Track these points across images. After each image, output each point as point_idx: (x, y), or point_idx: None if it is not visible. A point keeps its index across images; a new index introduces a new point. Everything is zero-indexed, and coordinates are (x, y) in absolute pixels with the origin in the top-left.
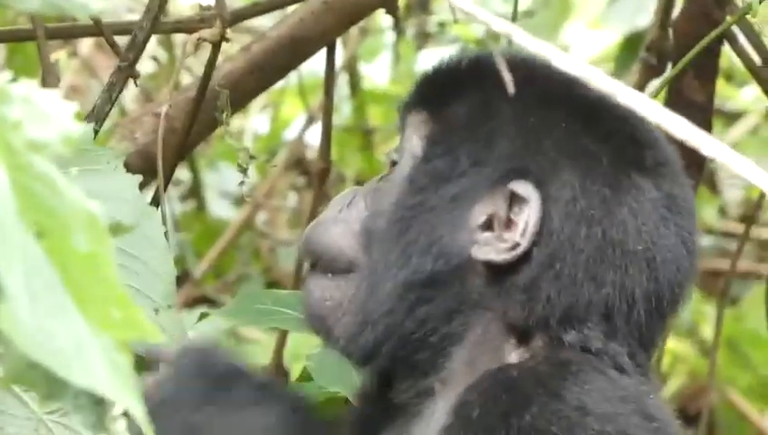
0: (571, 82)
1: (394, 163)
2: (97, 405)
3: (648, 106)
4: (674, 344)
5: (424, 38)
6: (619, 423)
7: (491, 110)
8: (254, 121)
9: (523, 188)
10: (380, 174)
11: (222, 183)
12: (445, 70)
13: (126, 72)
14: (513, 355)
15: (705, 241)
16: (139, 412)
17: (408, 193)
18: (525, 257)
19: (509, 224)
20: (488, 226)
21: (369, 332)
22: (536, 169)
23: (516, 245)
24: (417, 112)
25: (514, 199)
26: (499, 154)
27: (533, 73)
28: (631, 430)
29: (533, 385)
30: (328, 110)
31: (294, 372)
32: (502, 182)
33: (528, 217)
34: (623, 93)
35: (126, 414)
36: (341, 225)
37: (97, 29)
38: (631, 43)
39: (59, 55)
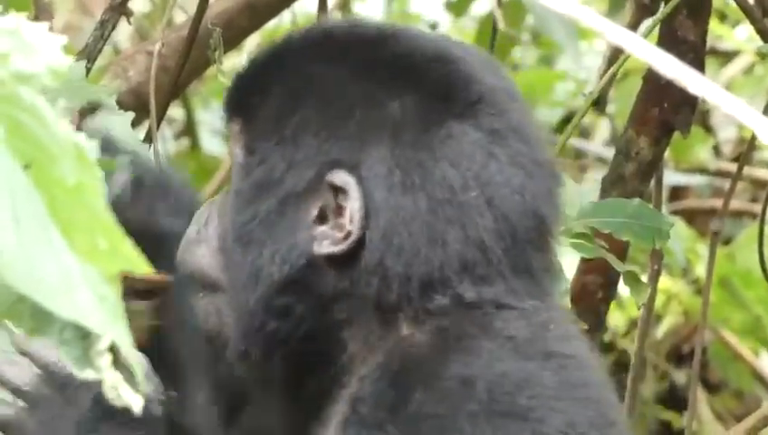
0: (368, 46)
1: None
2: (83, 339)
3: (639, 45)
4: (667, 283)
5: None
6: (511, 381)
7: (292, 105)
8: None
9: (338, 177)
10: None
11: (215, 121)
12: (249, 73)
13: (118, 9)
14: (391, 340)
15: (699, 180)
16: (127, 346)
17: (239, 208)
18: (363, 242)
19: (340, 213)
20: (322, 220)
21: (254, 348)
22: (345, 155)
23: (349, 233)
24: (233, 122)
25: (338, 190)
26: (307, 151)
27: (330, 52)
28: (529, 379)
29: (414, 371)
30: None
31: None
32: (319, 178)
33: (351, 204)
34: (613, 32)
35: (112, 349)
36: (203, 244)
37: None
38: None
39: None
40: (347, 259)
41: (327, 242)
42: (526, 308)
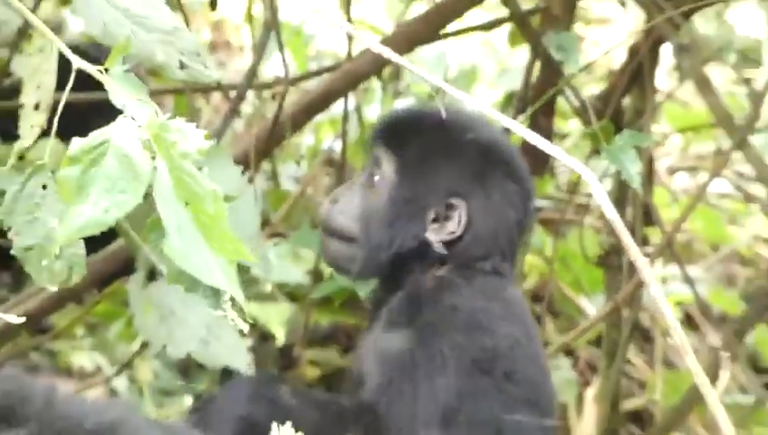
0: (465, 131)
1: (372, 175)
2: (215, 295)
3: (519, 129)
4: (530, 258)
5: (398, 93)
6: (479, 310)
7: (430, 150)
8: (305, 138)
9: (455, 201)
10: (360, 175)
11: (288, 171)
12: (403, 121)
13: (234, 111)
14: (432, 275)
15: (547, 203)
16: (241, 297)
17: (390, 203)
18: (459, 238)
19: (447, 220)
20: (435, 221)
21: (370, 272)
22: (462, 190)
23: (453, 232)
24: (384, 148)
25: (450, 207)
26: (439, 182)
27: (445, 128)
28: (489, 310)
29: (429, 296)
30: (344, 132)
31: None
32: (444, 198)
33: (461, 216)
34: (506, 122)
35: (232, 299)
36: (346, 213)
37: (218, 87)
38: (509, 97)
39: (200, 103)
40: (445, 243)
41: (434, 233)
42: (502, 276)
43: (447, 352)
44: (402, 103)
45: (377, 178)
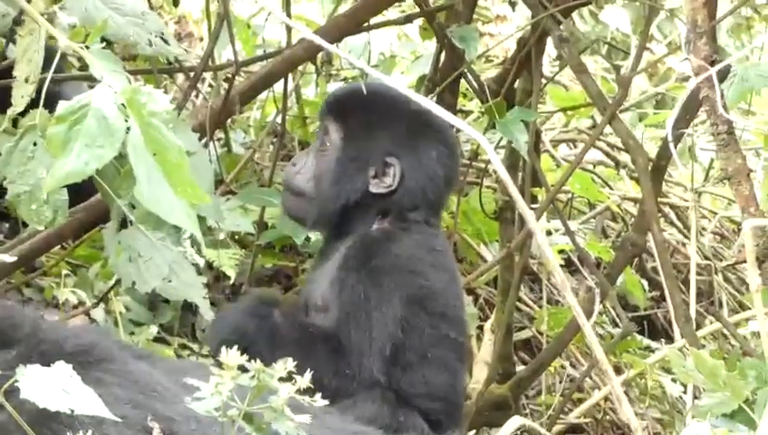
0: (399, 102)
1: (323, 142)
2: (177, 232)
3: (430, 105)
4: None
5: (329, 76)
6: (415, 257)
7: (371, 121)
8: (253, 112)
9: (391, 159)
10: (314, 143)
11: (238, 139)
12: (347, 96)
13: (192, 88)
14: (377, 226)
15: None
16: (199, 235)
17: (337, 163)
18: (394, 191)
19: (384, 176)
20: (375, 177)
21: (322, 221)
22: (396, 150)
23: (389, 186)
24: (332, 119)
25: (386, 165)
26: (377, 146)
27: (382, 100)
28: (423, 259)
29: (377, 245)
30: (284, 108)
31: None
32: (381, 157)
33: (395, 172)
34: (419, 99)
35: (191, 237)
36: (301, 174)
37: (180, 69)
38: (421, 80)
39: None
40: (384, 195)
41: (375, 186)
42: (432, 226)
43: (394, 289)
44: (333, 86)
45: (326, 144)
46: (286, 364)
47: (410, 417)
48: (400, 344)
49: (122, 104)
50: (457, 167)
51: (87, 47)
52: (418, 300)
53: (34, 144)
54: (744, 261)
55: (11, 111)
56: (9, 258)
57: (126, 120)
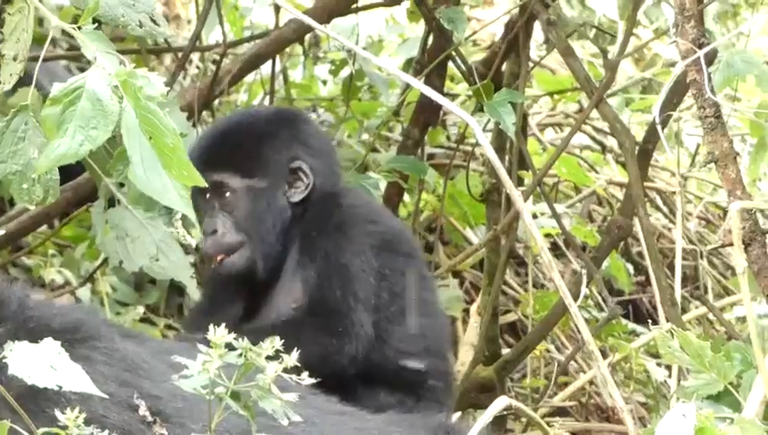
0: (257, 116)
1: (221, 196)
2: (169, 213)
3: (419, 85)
4: (425, 196)
5: (317, 58)
6: (368, 208)
7: (252, 147)
8: (240, 94)
9: (295, 164)
10: (208, 206)
11: None
12: (216, 146)
13: (180, 68)
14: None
15: (439, 151)
16: (192, 216)
17: (253, 204)
18: (311, 193)
19: (297, 181)
20: (290, 186)
21: (271, 255)
22: (292, 153)
23: (307, 185)
24: (219, 172)
25: (293, 171)
26: (274, 162)
27: (244, 127)
28: (377, 209)
29: (328, 206)
30: (272, 90)
31: None
32: (285, 168)
33: (305, 171)
34: (409, 80)
35: (183, 218)
36: (228, 233)
37: (169, 49)
38: (409, 62)
39: (153, 64)
40: (305, 198)
41: (295, 195)
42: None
43: (363, 238)
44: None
45: (228, 195)
46: (273, 343)
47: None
48: (385, 294)
49: (116, 86)
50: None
51: (79, 28)
52: (387, 245)
53: (26, 124)
54: (730, 244)
55: None
56: None
57: (120, 103)
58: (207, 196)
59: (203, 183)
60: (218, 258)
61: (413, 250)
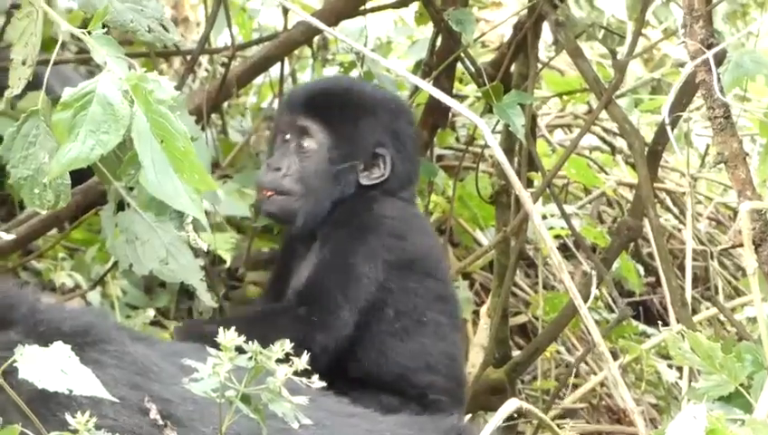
0: (373, 95)
1: (300, 143)
2: (179, 217)
3: (428, 87)
4: (434, 197)
5: (326, 61)
6: (401, 221)
7: (352, 116)
8: (249, 97)
9: (380, 150)
10: (287, 143)
11: (234, 124)
12: (318, 95)
13: (189, 71)
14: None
15: (449, 152)
16: (204, 220)
17: (328, 163)
18: (381, 184)
19: (374, 166)
20: (364, 169)
21: (312, 219)
22: (383, 141)
23: (382, 175)
24: (310, 119)
25: (375, 156)
26: (363, 139)
27: (357, 95)
28: (408, 225)
29: (361, 206)
30: (281, 92)
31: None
32: (370, 150)
33: (386, 162)
34: (418, 82)
35: (194, 221)
36: (289, 175)
37: (178, 52)
38: (418, 64)
39: (162, 67)
40: (372, 187)
41: (366, 178)
42: (412, 201)
43: (378, 250)
44: (329, 70)
45: (306, 144)
46: (283, 346)
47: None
48: (390, 310)
49: (126, 90)
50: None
51: (89, 32)
52: (405, 263)
53: (37, 129)
54: (740, 245)
55: (8, 93)
56: (8, 236)
57: (131, 107)
58: (288, 136)
59: (215, 187)
60: (267, 193)
61: (435, 271)
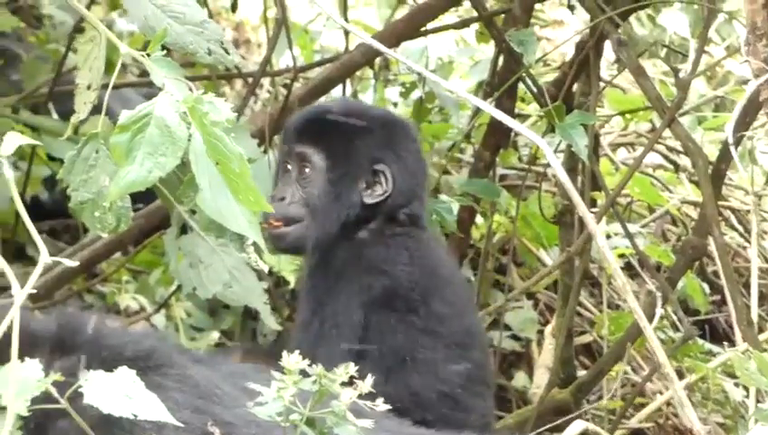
0: (365, 113)
1: (301, 170)
2: (240, 239)
3: (489, 109)
4: (497, 217)
5: (387, 81)
6: (380, 257)
7: (348, 137)
8: None
9: (379, 167)
10: (287, 172)
11: None
12: (312, 122)
13: (251, 93)
14: (361, 233)
15: (511, 172)
16: (261, 242)
17: (329, 185)
18: (387, 197)
19: (375, 184)
20: (366, 188)
21: (322, 244)
22: (381, 157)
23: (385, 192)
24: (307, 145)
25: (375, 174)
26: (360, 158)
27: (349, 115)
28: (389, 260)
29: (338, 248)
30: None
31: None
32: (369, 168)
33: (386, 178)
34: (479, 103)
35: (254, 244)
36: (294, 203)
37: (239, 75)
38: (480, 84)
39: (224, 89)
40: (377, 204)
41: (369, 196)
42: (418, 219)
43: (355, 291)
44: (391, 91)
45: (307, 170)
46: (347, 369)
47: None
48: (378, 349)
49: (184, 112)
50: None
51: (148, 55)
52: (385, 301)
53: (97, 152)
54: None
55: (74, 118)
56: (71, 263)
57: (188, 129)
58: (289, 165)
59: (269, 209)
60: (274, 223)
61: (418, 305)
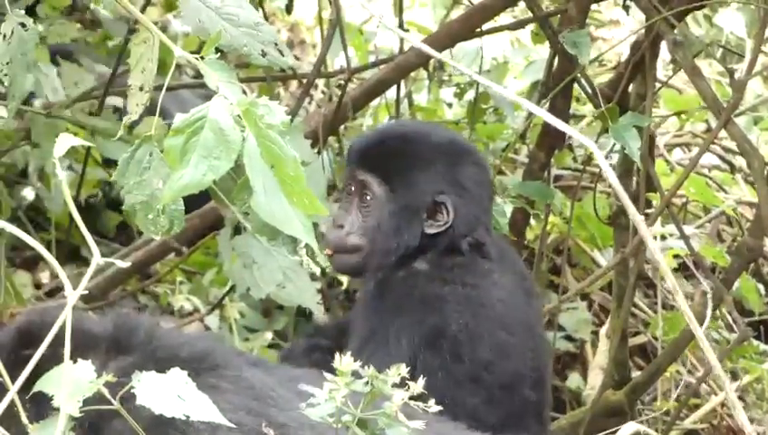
0: (427, 139)
1: (363, 197)
2: (293, 242)
3: (542, 113)
4: (552, 218)
5: (441, 82)
6: (432, 296)
7: (409, 165)
8: (366, 119)
9: (440, 197)
10: (349, 198)
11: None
12: (373, 148)
13: (305, 94)
14: (418, 263)
15: (566, 173)
16: (314, 244)
17: (389, 216)
18: (450, 227)
19: (436, 214)
20: (428, 218)
21: (381, 270)
22: (443, 187)
23: (446, 223)
24: (369, 173)
25: (437, 204)
26: (422, 188)
27: (410, 141)
28: (441, 300)
29: (393, 283)
30: (397, 114)
31: None
32: (431, 198)
33: (448, 208)
34: (530, 106)
35: (307, 246)
36: (354, 233)
37: (294, 76)
38: (535, 85)
39: (279, 90)
40: (438, 233)
41: (430, 227)
42: (481, 248)
43: (402, 330)
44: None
45: (368, 198)
46: (399, 370)
47: None
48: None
49: (238, 115)
50: (491, 179)
51: (202, 57)
52: (432, 340)
53: (150, 154)
54: None
55: (126, 119)
56: (124, 264)
57: (242, 132)
58: (352, 189)
59: (325, 212)
60: (332, 252)
61: (460, 351)
